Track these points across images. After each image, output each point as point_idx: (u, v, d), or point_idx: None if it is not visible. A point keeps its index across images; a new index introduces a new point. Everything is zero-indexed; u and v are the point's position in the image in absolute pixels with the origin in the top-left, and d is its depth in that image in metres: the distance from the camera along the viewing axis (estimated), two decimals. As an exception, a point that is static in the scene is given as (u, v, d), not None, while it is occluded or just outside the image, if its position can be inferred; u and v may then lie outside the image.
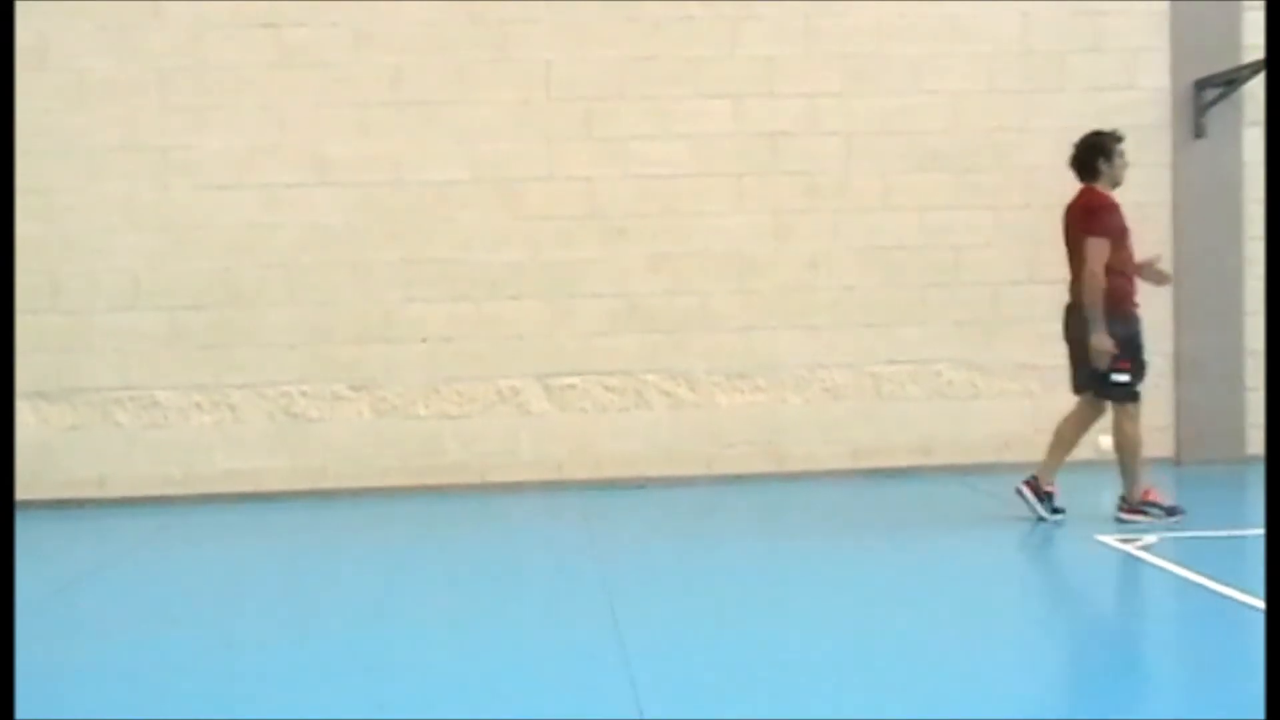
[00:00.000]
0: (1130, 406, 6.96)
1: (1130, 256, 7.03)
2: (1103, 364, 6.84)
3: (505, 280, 8.89)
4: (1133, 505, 7.03)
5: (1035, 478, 7.14)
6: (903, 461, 9.04)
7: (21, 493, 8.51)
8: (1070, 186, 7.17)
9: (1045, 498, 7.10)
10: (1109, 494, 7.23)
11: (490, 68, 8.86)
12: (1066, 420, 7.18)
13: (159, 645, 5.29)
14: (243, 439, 8.79)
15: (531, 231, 8.90)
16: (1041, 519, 7.05)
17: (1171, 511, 7.01)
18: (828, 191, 9.03)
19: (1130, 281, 7.02)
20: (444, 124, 8.84)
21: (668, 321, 8.98)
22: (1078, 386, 7.13)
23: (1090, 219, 6.92)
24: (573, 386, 8.96)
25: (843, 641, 5.08)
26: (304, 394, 8.83)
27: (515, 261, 8.89)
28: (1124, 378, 6.89)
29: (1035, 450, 9.01)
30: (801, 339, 9.05)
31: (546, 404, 8.95)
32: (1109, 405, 7.03)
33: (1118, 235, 6.92)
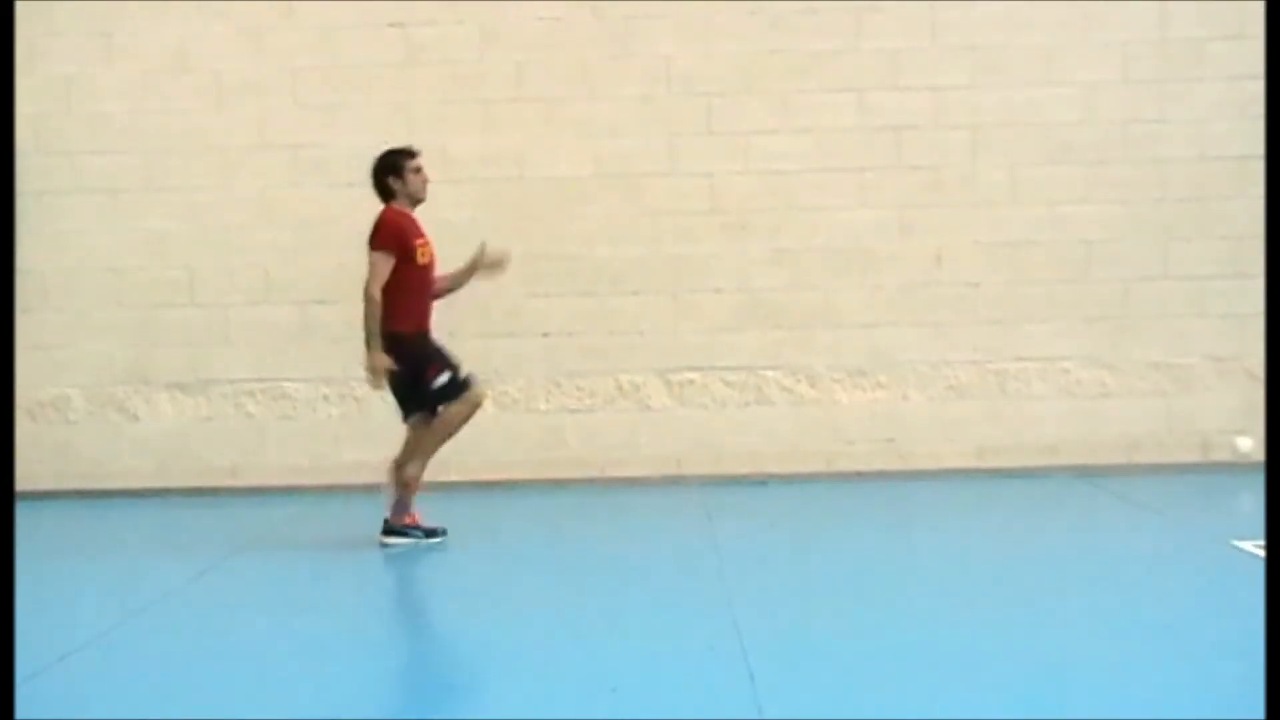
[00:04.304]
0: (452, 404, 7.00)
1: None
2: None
3: (627, 275, 8.93)
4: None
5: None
6: (1028, 461, 8.85)
7: (160, 481, 8.90)
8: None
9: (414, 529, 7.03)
10: (1247, 497, 6.99)
11: (612, 64, 8.90)
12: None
13: (283, 633, 5.44)
14: (369, 431, 8.95)
15: (653, 227, 8.92)
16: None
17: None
18: (953, 186, 8.89)
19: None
20: (566, 120, 8.92)
21: (789, 317, 8.93)
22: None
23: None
24: (693, 382, 8.96)
25: (965, 641, 5.00)
26: (428, 387, 8.95)
27: (637, 257, 8.93)
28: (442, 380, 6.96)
29: (1167, 452, 8.76)
30: (925, 335, 8.92)
31: (667, 399, 8.97)
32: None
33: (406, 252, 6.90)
